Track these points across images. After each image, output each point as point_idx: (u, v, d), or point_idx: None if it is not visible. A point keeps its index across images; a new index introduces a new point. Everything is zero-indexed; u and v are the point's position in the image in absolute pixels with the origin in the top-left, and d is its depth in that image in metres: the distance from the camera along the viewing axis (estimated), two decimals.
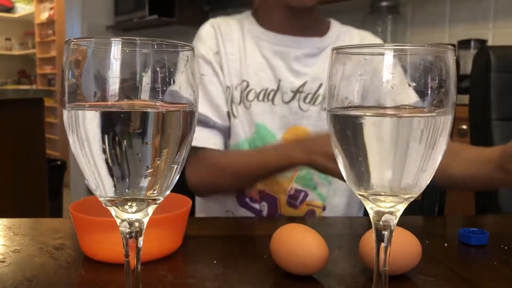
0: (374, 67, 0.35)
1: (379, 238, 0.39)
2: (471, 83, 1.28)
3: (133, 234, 0.37)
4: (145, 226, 0.38)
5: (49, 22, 5.59)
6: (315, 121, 0.94)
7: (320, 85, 0.95)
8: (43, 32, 5.80)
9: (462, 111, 1.28)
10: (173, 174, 0.36)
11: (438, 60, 0.35)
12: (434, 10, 2.45)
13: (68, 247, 0.63)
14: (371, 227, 0.39)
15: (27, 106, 2.29)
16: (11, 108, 2.20)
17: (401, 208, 0.38)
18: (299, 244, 0.53)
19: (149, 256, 0.57)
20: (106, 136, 0.34)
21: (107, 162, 0.34)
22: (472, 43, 2.07)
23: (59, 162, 3.56)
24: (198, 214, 1.05)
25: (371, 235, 0.54)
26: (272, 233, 0.56)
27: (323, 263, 0.52)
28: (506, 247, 0.64)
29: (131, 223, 0.37)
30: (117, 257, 0.56)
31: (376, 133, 0.35)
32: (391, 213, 0.38)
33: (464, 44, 2.10)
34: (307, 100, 0.94)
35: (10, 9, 6.31)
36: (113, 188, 0.35)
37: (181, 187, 0.51)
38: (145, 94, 0.34)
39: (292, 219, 0.86)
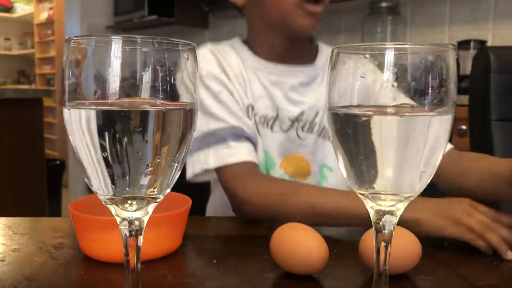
0: (375, 67, 0.35)
1: (379, 238, 0.39)
2: (471, 84, 1.28)
3: (133, 232, 0.37)
4: (145, 225, 0.38)
5: (48, 22, 5.59)
6: (312, 149, 0.94)
7: (317, 113, 0.95)
8: (42, 32, 5.80)
9: (461, 112, 1.28)
10: (173, 173, 0.36)
11: (438, 59, 0.35)
12: (434, 10, 2.45)
13: (67, 246, 0.62)
14: (370, 226, 0.39)
15: (26, 106, 2.28)
16: (10, 107, 2.20)
17: (401, 207, 0.38)
18: (299, 244, 0.53)
19: (148, 255, 0.57)
20: (106, 135, 0.34)
21: (107, 161, 0.34)
22: (472, 44, 2.07)
23: (58, 162, 3.56)
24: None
25: (371, 235, 0.54)
26: (272, 233, 0.56)
27: (323, 262, 0.52)
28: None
29: (131, 222, 0.37)
30: (116, 256, 0.56)
31: (376, 132, 0.35)
32: (391, 212, 0.38)
33: (463, 44, 2.10)
34: (305, 128, 0.94)
35: (9, 9, 6.31)
36: (113, 187, 0.35)
37: (180, 186, 0.51)
38: (145, 92, 0.34)
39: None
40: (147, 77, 0.34)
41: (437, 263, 0.59)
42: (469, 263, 0.60)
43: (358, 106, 0.36)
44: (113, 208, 0.37)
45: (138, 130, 0.34)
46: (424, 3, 2.49)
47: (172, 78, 0.35)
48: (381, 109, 0.36)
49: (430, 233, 0.66)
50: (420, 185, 0.37)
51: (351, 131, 0.36)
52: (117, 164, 0.34)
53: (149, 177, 0.35)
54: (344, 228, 0.74)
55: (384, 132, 0.35)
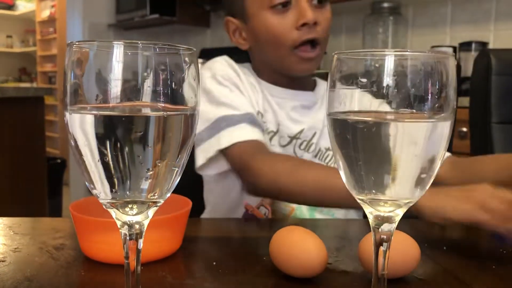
0: (374, 72, 0.36)
1: (378, 242, 0.39)
2: (472, 86, 1.28)
3: (133, 236, 0.37)
4: (145, 229, 0.38)
5: (50, 20, 5.59)
6: None
7: (314, 133, 0.98)
8: (44, 30, 5.80)
9: (462, 114, 1.28)
10: (173, 177, 0.37)
11: (438, 66, 0.35)
12: (436, 11, 2.45)
13: (68, 247, 0.63)
14: (370, 230, 0.40)
15: (27, 104, 2.29)
16: (12, 106, 2.20)
17: (400, 212, 0.38)
18: (298, 247, 0.53)
19: (148, 257, 0.57)
20: (107, 139, 0.34)
21: (107, 164, 0.34)
22: (473, 45, 2.07)
23: (59, 160, 3.56)
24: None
25: (370, 239, 0.54)
26: (271, 235, 0.56)
27: (322, 266, 0.52)
28: (504, 251, 0.64)
29: (131, 225, 0.37)
30: (116, 258, 0.56)
31: (376, 138, 0.36)
32: (390, 217, 0.38)
33: (465, 46, 2.11)
34: (302, 146, 0.97)
35: (11, 6, 6.31)
36: (114, 191, 0.35)
37: (181, 189, 0.51)
38: (146, 97, 0.34)
39: (291, 221, 0.86)
40: (148, 81, 0.34)
41: (436, 267, 0.59)
42: (468, 267, 0.60)
43: (357, 111, 0.37)
44: (113, 212, 0.37)
45: (139, 135, 0.34)
46: (426, 4, 2.48)
47: (173, 82, 0.35)
48: (380, 115, 0.36)
49: (454, 219, 0.64)
50: (419, 191, 0.37)
51: (350, 137, 0.36)
52: (118, 168, 0.34)
53: (149, 181, 0.35)
54: (344, 232, 0.74)
55: (383, 138, 0.36)
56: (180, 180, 0.38)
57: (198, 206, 1.05)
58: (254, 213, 0.90)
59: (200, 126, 0.91)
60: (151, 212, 0.37)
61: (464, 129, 1.75)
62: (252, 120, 0.89)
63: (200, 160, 0.90)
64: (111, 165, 0.34)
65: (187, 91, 0.36)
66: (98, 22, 3.83)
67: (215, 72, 0.94)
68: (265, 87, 0.98)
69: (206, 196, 1.03)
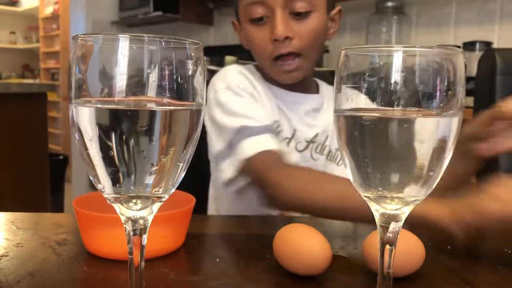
0: (382, 68, 0.35)
1: (384, 241, 0.38)
2: (476, 85, 1.28)
3: (137, 231, 0.37)
4: (149, 224, 0.37)
5: (54, 17, 5.59)
6: (322, 169, 0.98)
7: (327, 137, 0.99)
8: (48, 26, 5.80)
9: (466, 114, 1.27)
10: (178, 172, 0.36)
11: (447, 62, 0.35)
12: (440, 11, 2.44)
13: (70, 242, 0.63)
14: (373, 229, 0.39)
15: (30, 100, 2.29)
16: (15, 102, 2.20)
17: (406, 210, 0.38)
18: (302, 244, 0.53)
19: (152, 253, 0.57)
20: (111, 133, 0.34)
21: (112, 159, 0.34)
22: (478, 45, 2.06)
23: (61, 157, 3.57)
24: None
25: (374, 237, 0.54)
26: (275, 232, 0.56)
27: (326, 263, 0.52)
28: (509, 251, 0.64)
29: (135, 221, 0.37)
30: (119, 253, 0.56)
31: (383, 135, 0.35)
32: (396, 215, 0.38)
33: (469, 46, 2.09)
34: (318, 150, 0.99)
35: (14, 3, 6.32)
36: (118, 185, 0.35)
37: (184, 185, 0.51)
38: (151, 91, 0.34)
39: (295, 219, 0.86)
40: (153, 75, 0.34)
41: (440, 266, 0.58)
42: (472, 266, 0.60)
43: (364, 108, 0.36)
44: (117, 207, 0.37)
45: (144, 129, 0.34)
46: (430, 3, 2.48)
47: (179, 77, 0.35)
48: (387, 112, 0.36)
49: (475, 222, 0.58)
50: (426, 189, 0.37)
51: (357, 134, 0.36)
52: (123, 162, 0.34)
53: (154, 176, 0.35)
54: (348, 229, 0.74)
55: (390, 135, 0.35)
56: (184, 177, 0.38)
57: (200, 203, 1.05)
58: None
59: (219, 138, 0.91)
60: (156, 207, 0.37)
61: None
62: (272, 131, 0.90)
63: (228, 173, 0.90)
64: (116, 160, 0.34)
65: (193, 86, 0.36)
66: (101, 19, 3.83)
67: (230, 83, 0.94)
68: (276, 92, 0.98)
69: (217, 208, 1.03)
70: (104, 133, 0.34)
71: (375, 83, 0.35)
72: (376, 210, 0.38)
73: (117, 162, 0.34)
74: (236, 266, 0.57)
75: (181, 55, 0.35)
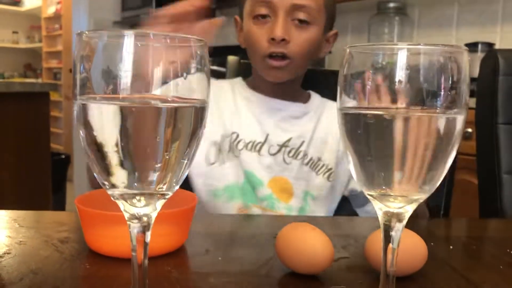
0: (386, 66, 0.35)
1: (387, 239, 0.38)
2: (478, 86, 1.27)
3: (141, 228, 0.37)
4: (153, 221, 0.38)
5: (56, 17, 5.60)
6: (296, 174, 1.00)
7: (303, 142, 1.02)
8: (50, 26, 5.81)
9: (468, 114, 1.27)
10: (182, 169, 0.36)
11: (452, 60, 0.35)
12: (442, 12, 2.44)
13: (72, 240, 0.63)
14: (376, 228, 0.39)
15: (33, 99, 2.29)
16: (17, 101, 2.20)
17: (410, 209, 0.38)
18: (304, 243, 0.53)
19: (154, 252, 0.57)
20: (116, 130, 0.34)
21: (116, 156, 0.34)
22: (480, 46, 2.06)
23: (63, 156, 3.57)
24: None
25: (377, 236, 0.54)
26: (277, 231, 0.56)
27: (328, 262, 0.52)
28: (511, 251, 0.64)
29: (139, 218, 0.37)
30: (122, 251, 0.56)
31: (387, 133, 0.35)
32: (400, 214, 0.38)
33: (471, 47, 2.08)
34: (291, 154, 1.01)
35: (17, 2, 6.33)
36: (122, 182, 0.35)
37: (185, 185, 0.51)
38: (156, 88, 0.34)
39: (297, 218, 0.86)
40: (158, 72, 0.34)
41: (443, 266, 0.58)
42: (475, 265, 0.60)
43: (368, 106, 0.36)
44: (121, 204, 0.37)
45: (148, 126, 0.34)
46: (432, 4, 2.48)
47: (184, 74, 0.35)
48: (392, 110, 0.36)
49: None
50: (430, 187, 0.37)
51: (361, 131, 0.36)
52: (126, 159, 0.34)
53: (158, 173, 0.35)
54: (350, 228, 0.74)
55: (394, 133, 0.35)
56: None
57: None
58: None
59: None
60: (159, 204, 0.37)
61: (469, 130, 1.74)
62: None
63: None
64: (120, 156, 0.34)
65: (197, 83, 0.36)
66: (103, 19, 3.83)
67: None
68: (258, 99, 1.03)
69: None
70: (108, 129, 0.34)
71: (378, 81, 0.35)
72: (380, 208, 0.38)
73: (121, 159, 0.34)
74: (239, 265, 0.57)
75: (186, 52, 0.35)
